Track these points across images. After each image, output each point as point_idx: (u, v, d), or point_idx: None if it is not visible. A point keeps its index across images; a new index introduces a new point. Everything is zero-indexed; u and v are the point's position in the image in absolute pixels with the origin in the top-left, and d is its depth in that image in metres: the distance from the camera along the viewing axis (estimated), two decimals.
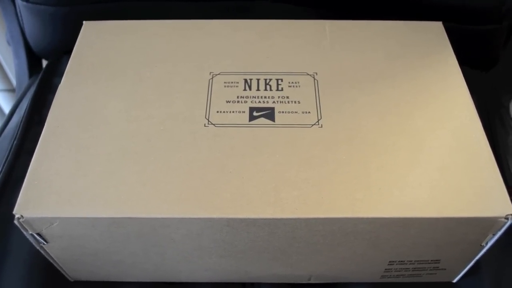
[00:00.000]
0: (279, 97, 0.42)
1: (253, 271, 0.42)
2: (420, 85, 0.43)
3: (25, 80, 0.64)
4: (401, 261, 0.41)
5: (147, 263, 0.41)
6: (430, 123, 0.40)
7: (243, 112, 0.41)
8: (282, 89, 0.43)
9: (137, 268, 0.42)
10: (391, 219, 0.35)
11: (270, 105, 0.41)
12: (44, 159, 0.38)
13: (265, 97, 0.42)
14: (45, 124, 0.40)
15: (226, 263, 0.41)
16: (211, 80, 0.43)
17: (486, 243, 0.38)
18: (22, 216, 0.35)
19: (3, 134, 0.56)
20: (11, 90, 0.89)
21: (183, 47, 0.46)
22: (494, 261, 0.44)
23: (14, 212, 0.35)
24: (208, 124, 0.40)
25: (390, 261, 0.41)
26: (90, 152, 0.38)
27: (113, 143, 0.39)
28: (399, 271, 0.42)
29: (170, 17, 0.49)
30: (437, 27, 0.48)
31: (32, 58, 0.64)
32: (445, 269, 0.42)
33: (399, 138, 0.39)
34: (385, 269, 0.42)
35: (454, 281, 0.45)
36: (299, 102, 0.42)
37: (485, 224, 0.36)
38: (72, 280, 0.44)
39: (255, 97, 0.42)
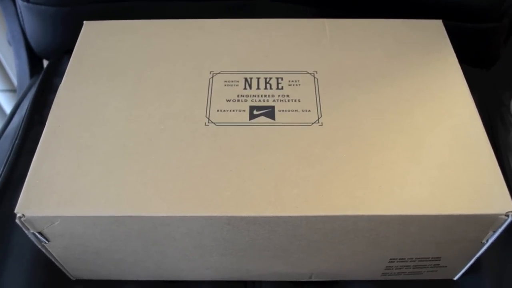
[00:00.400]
0: (279, 95, 0.42)
1: (254, 269, 0.42)
2: (420, 83, 0.43)
3: (26, 80, 0.65)
4: (402, 259, 0.41)
5: (148, 261, 0.41)
6: (430, 121, 0.40)
7: (244, 110, 0.41)
8: (282, 88, 0.43)
9: (138, 267, 0.42)
10: (391, 216, 0.35)
11: (270, 103, 0.42)
12: (45, 158, 0.38)
13: (265, 95, 0.42)
14: (46, 123, 0.40)
15: (227, 261, 0.41)
16: (211, 79, 0.43)
17: (487, 241, 0.38)
18: (23, 215, 0.35)
19: (4, 134, 0.56)
20: (12, 90, 0.89)
21: (183, 47, 0.46)
22: (495, 258, 0.44)
23: (15, 211, 0.35)
24: (208, 123, 0.40)
25: (390, 259, 0.41)
26: (91, 151, 0.38)
27: (113, 142, 0.39)
28: (400, 268, 0.42)
29: (170, 17, 0.49)
30: (437, 25, 0.48)
31: (33, 58, 0.64)
32: (446, 266, 0.42)
33: (399, 136, 0.39)
34: (386, 267, 0.42)
35: (455, 278, 0.45)
36: (299, 101, 0.42)
37: (486, 222, 0.36)
38: (73, 279, 0.44)
39: (255, 96, 0.42)
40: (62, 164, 0.38)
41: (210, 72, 0.44)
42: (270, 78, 0.44)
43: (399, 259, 0.41)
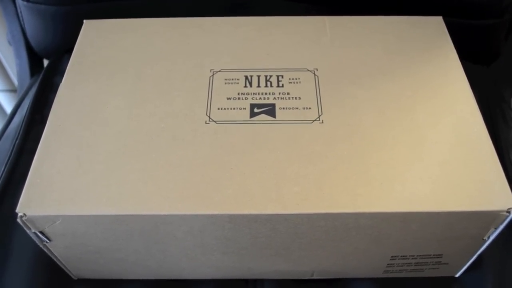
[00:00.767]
0: (279, 93, 0.42)
1: (255, 267, 0.42)
2: (421, 80, 0.43)
3: (27, 80, 0.65)
4: (403, 256, 0.41)
5: (150, 260, 0.41)
6: (431, 118, 0.40)
7: (244, 108, 0.41)
8: (282, 86, 0.43)
9: (140, 266, 0.42)
10: (392, 213, 0.35)
11: (271, 101, 0.42)
12: (46, 157, 0.38)
13: (265, 93, 0.42)
14: (47, 123, 0.40)
15: (229, 259, 0.41)
16: (211, 77, 0.43)
17: (488, 237, 0.38)
18: (24, 214, 0.35)
19: (5, 134, 0.57)
20: (13, 90, 0.89)
21: (183, 45, 0.46)
22: (496, 255, 0.44)
23: (16, 210, 0.35)
24: (209, 121, 0.40)
25: (392, 256, 0.41)
26: (91, 150, 0.38)
27: (114, 141, 0.39)
28: (402, 266, 0.42)
29: (170, 15, 0.49)
30: (437, 22, 0.48)
31: (33, 57, 0.64)
32: (447, 263, 0.42)
33: (400, 133, 0.39)
34: (388, 264, 0.42)
35: (457, 275, 0.45)
36: (299, 98, 0.42)
37: (487, 218, 0.36)
38: (75, 278, 0.44)
39: (255, 94, 0.42)
40: (63, 163, 0.38)
41: (211, 70, 0.44)
42: (271, 76, 0.43)
43: (401, 256, 0.41)
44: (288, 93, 0.42)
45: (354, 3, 0.55)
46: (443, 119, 0.40)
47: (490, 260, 0.44)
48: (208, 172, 0.37)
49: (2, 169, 0.50)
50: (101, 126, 0.40)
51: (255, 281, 0.45)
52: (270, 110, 0.41)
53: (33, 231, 0.37)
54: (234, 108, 0.41)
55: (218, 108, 0.41)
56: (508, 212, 0.35)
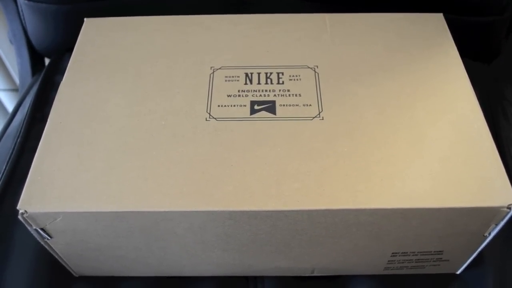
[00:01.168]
0: (280, 90, 0.42)
1: (256, 264, 0.42)
2: (421, 77, 0.43)
3: (28, 78, 0.65)
4: (404, 253, 0.41)
5: (150, 257, 0.41)
6: (431, 115, 0.40)
7: (244, 105, 0.41)
8: (283, 83, 0.43)
9: (141, 263, 0.42)
10: (392, 210, 0.35)
11: (271, 98, 0.42)
12: (47, 155, 0.38)
13: (266, 90, 0.42)
14: (48, 120, 0.41)
15: (229, 256, 0.41)
16: (212, 75, 0.43)
17: (489, 234, 0.38)
18: (25, 211, 0.35)
19: (6, 133, 0.57)
20: (15, 89, 0.89)
21: (183, 43, 0.46)
22: (497, 252, 0.44)
23: (18, 207, 0.35)
24: (209, 118, 0.40)
25: (393, 253, 0.41)
26: (92, 148, 0.39)
27: (115, 139, 0.39)
28: (402, 262, 0.42)
29: (170, 13, 0.49)
30: (438, 19, 0.48)
31: (35, 56, 0.64)
32: (448, 260, 0.42)
33: (401, 130, 0.39)
34: (388, 261, 0.42)
35: (458, 272, 0.45)
36: (300, 95, 0.42)
37: (488, 215, 0.36)
38: (76, 276, 0.45)
39: (256, 91, 0.42)
40: (64, 160, 0.38)
41: (211, 67, 0.44)
42: (271, 73, 0.44)
43: (401, 253, 0.41)
44: (288, 90, 0.42)
45: (354, 0, 0.55)
46: (443, 116, 0.40)
47: (491, 257, 0.44)
48: (208, 169, 0.37)
49: (4, 167, 0.51)
50: (102, 123, 0.40)
51: (255, 278, 0.45)
52: (270, 107, 0.41)
53: (34, 228, 0.37)
54: (234, 105, 0.41)
55: (219, 105, 0.41)
56: (509, 208, 0.35)
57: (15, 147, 0.52)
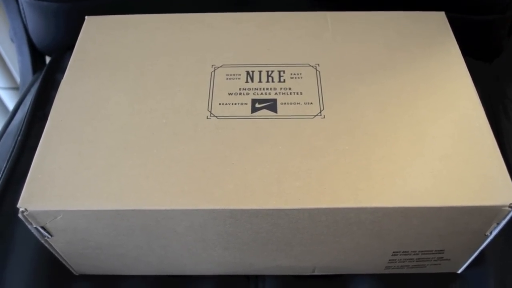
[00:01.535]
0: (281, 88, 0.42)
1: (257, 263, 0.42)
2: (423, 75, 0.43)
3: (29, 77, 0.65)
4: (405, 252, 0.41)
5: (151, 256, 0.41)
6: (433, 114, 0.40)
7: (245, 104, 0.41)
8: (284, 81, 0.43)
9: (141, 261, 0.42)
10: (393, 208, 0.35)
11: (272, 96, 0.41)
12: (48, 153, 0.38)
13: (267, 88, 0.42)
14: (48, 118, 0.41)
15: (230, 255, 0.41)
16: (213, 73, 0.43)
17: (490, 233, 0.38)
18: (26, 209, 0.35)
19: (7, 131, 0.57)
20: (15, 88, 0.89)
21: (184, 41, 0.46)
22: (499, 251, 0.44)
23: (18, 205, 0.35)
24: (210, 116, 0.40)
25: (394, 252, 0.41)
26: (93, 146, 0.38)
27: (115, 137, 0.39)
28: (403, 261, 0.42)
29: (171, 11, 0.49)
30: (440, 17, 0.48)
31: (36, 54, 0.64)
32: (449, 259, 0.42)
33: (402, 128, 0.39)
34: (389, 260, 0.42)
35: (459, 271, 0.45)
36: (301, 93, 0.42)
37: (489, 213, 0.36)
38: (77, 274, 0.45)
39: (257, 89, 0.42)
40: (64, 158, 0.38)
41: (212, 65, 0.44)
42: (272, 71, 0.43)
43: (402, 252, 0.41)
44: (289, 88, 0.42)
45: None
46: (445, 114, 0.40)
47: (492, 256, 0.44)
48: (209, 167, 0.37)
49: (4, 165, 0.51)
50: (103, 121, 0.40)
51: (256, 277, 0.45)
52: (271, 105, 0.41)
53: (34, 226, 0.37)
54: (235, 104, 0.41)
55: (220, 104, 0.41)
56: (511, 207, 0.35)
57: (16, 145, 0.52)
